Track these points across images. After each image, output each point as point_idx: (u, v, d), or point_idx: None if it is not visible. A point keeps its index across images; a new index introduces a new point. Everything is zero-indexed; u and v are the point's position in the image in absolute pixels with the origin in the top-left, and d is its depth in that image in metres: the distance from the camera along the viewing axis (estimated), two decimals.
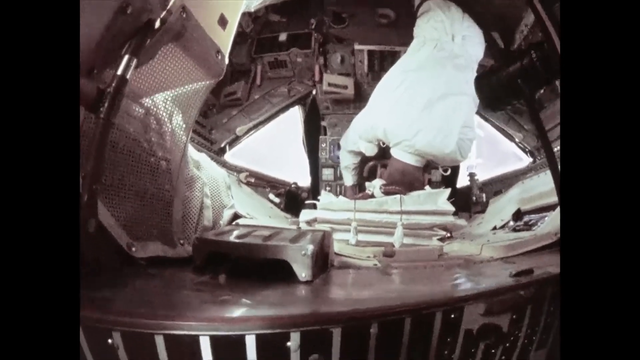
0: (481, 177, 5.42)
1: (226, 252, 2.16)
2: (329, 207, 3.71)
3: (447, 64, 4.10)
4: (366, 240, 3.43)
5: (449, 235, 3.66)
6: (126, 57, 1.89)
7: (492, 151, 5.86)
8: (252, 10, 4.76)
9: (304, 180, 5.71)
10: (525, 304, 1.87)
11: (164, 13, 2.05)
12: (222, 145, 5.27)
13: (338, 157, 5.41)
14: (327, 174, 5.63)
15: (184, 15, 2.16)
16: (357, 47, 5.39)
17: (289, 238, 2.15)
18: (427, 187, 4.04)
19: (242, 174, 4.97)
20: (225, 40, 2.70)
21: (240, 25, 4.88)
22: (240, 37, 5.37)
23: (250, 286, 1.91)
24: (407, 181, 4.06)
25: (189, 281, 2.01)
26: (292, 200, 5.28)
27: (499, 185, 5.23)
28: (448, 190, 3.73)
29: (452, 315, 1.68)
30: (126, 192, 2.14)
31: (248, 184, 4.97)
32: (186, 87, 2.52)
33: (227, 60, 2.72)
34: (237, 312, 1.56)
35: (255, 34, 5.62)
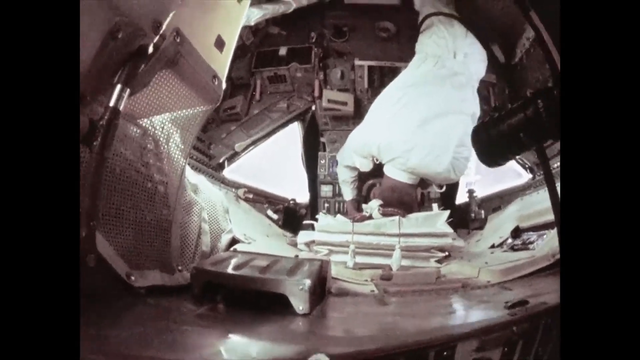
0: (480, 193, 5.42)
1: (224, 283, 2.15)
2: (327, 229, 3.70)
3: (446, 82, 4.11)
4: (364, 262, 3.43)
5: (447, 254, 3.66)
6: (118, 87, 1.84)
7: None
8: (252, 23, 4.77)
9: (303, 196, 5.72)
10: (518, 339, 1.87)
11: (156, 38, 2.01)
12: (221, 160, 5.23)
13: (336, 174, 5.41)
14: (325, 190, 5.64)
15: (178, 40, 2.13)
16: (357, 62, 5.39)
17: (287, 270, 2.15)
18: (435, 207, 4.06)
19: (241, 190, 4.95)
20: (222, 63, 2.67)
21: (240, 37, 4.89)
22: (240, 50, 5.37)
23: (248, 318, 1.91)
24: (397, 197, 4.10)
25: (187, 313, 1.99)
26: (291, 217, 5.29)
27: (498, 201, 5.22)
28: (447, 213, 3.72)
29: (445, 353, 1.68)
30: (124, 221, 2.09)
31: (246, 200, 4.95)
32: (183, 111, 2.49)
33: (224, 85, 2.68)
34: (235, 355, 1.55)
35: (255, 46, 5.62)
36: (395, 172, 4.13)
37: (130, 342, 1.52)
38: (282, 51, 5.52)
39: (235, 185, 5.04)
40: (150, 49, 1.98)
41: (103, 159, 1.79)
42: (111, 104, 1.81)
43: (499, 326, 1.83)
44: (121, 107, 1.83)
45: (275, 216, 5.08)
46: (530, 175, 4.94)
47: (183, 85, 2.35)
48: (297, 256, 3.09)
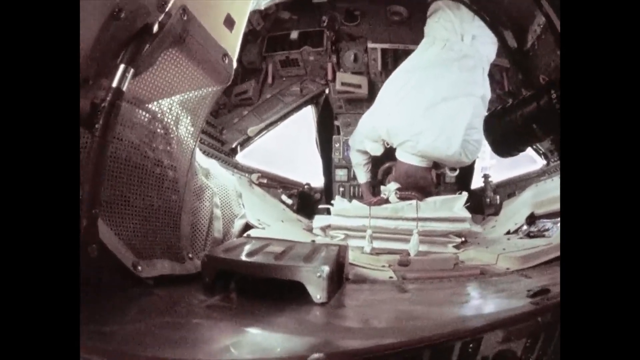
0: (495, 178, 5.34)
1: (237, 271, 2.07)
2: (344, 213, 3.64)
3: (454, 65, 4.04)
4: (381, 247, 3.38)
5: (463, 240, 3.60)
6: (122, 67, 1.76)
7: None
8: (262, 8, 4.69)
9: (317, 180, 5.68)
10: (541, 330, 1.78)
11: (162, 16, 1.93)
12: (234, 145, 5.19)
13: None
14: (340, 174, 5.59)
15: (185, 18, 2.05)
16: (370, 45, 5.31)
17: (303, 256, 2.06)
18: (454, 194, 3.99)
19: (254, 175, 4.90)
20: (232, 42, 2.59)
21: (250, 23, 4.86)
22: (251, 35, 5.29)
23: (262, 309, 1.81)
24: (412, 182, 4.04)
25: (198, 304, 1.90)
26: (305, 202, 5.25)
27: (513, 187, 5.17)
28: (464, 196, 3.65)
29: (471, 345, 1.59)
30: (130, 208, 2.01)
31: (260, 185, 4.90)
32: (192, 92, 2.41)
33: (235, 64, 2.61)
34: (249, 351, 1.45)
35: (266, 31, 5.53)
36: (407, 156, 4.08)
37: (135, 339, 1.43)
38: (294, 35, 5.44)
39: (249, 171, 4.99)
40: (156, 28, 1.90)
41: (105, 143, 1.71)
42: (114, 84, 1.72)
43: (524, 316, 1.74)
44: (124, 88, 1.75)
45: (289, 201, 5.03)
46: (545, 162, 4.84)
47: (192, 64, 2.26)
48: (313, 241, 2.99)
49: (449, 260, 2.96)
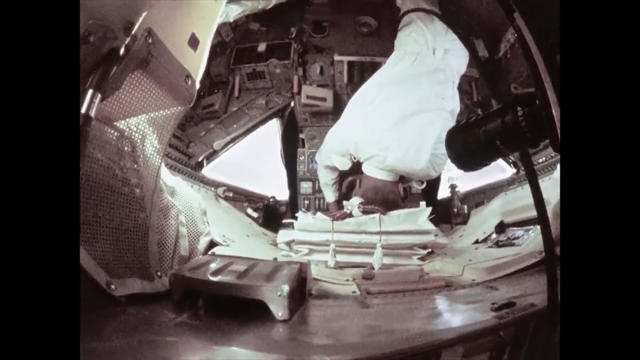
0: (462, 188, 5.40)
1: (202, 289, 2.13)
2: (307, 228, 3.68)
3: (423, 79, 4.09)
4: (345, 261, 3.44)
5: (429, 251, 3.65)
6: (90, 93, 1.77)
7: None
8: (231, 20, 4.75)
9: (283, 193, 5.70)
10: (506, 344, 1.85)
11: (128, 39, 1.98)
12: (200, 159, 5.22)
13: (316, 170, 5.41)
14: (305, 187, 5.61)
15: (150, 40, 2.09)
16: (336, 58, 5.36)
17: (264, 275, 2.13)
18: (422, 205, 4.05)
19: (220, 189, 4.95)
20: (196, 62, 2.65)
21: (219, 34, 4.94)
22: (220, 47, 5.36)
23: (229, 326, 1.89)
24: (381, 197, 4.09)
25: (167, 322, 1.97)
26: (271, 215, 5.28)
27: (481, 196, 5.24)
28: (428, 210, 3.70)
29: None
30: (101, 228, 2.06)
31: (226, 198, 4.96)
32: (157, 112, 2.47)
33: (198, 85, 2.66)
34: None
35: (235, 43, 5.59)
36: (374, 171, 4.13)
37: (111, 357, 1.50)
38: (261, 47, 5.49)
39: (215, 184, 5.03)
40: (122, 51, 1.94)
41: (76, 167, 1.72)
42: (82, 110, 1.75)
43: (485, 331, 1.81)
44: (92, 114, 1.78)
45: (255, 214, 5.08)
46: (514, 170, 4.95)
47: (156, 86, 2.32)
48: (275, 259, 3.05)
49: (414, 273, 3.01)
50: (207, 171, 5.26)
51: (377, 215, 3.63)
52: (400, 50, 4.44)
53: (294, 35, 5.61)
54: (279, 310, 1.95)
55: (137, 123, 2.36)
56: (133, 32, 1.99)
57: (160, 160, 2.54)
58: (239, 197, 5.17)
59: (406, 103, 3.99)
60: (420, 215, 3.68)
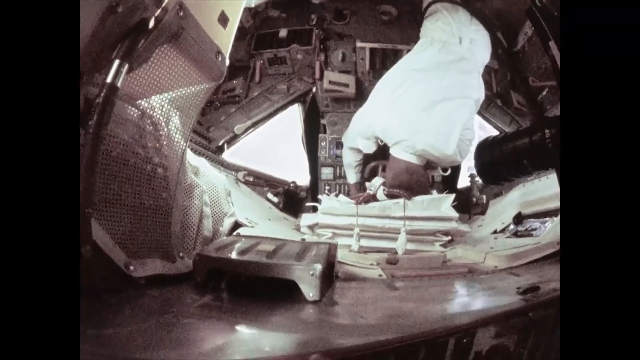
0: None
1: (229, 269, 2.07)
2: (331, 211, 3.65)
3: (451, 67, 4.03)
4: (369, 246, 3.39)
5: (450, 239, 3.62)
6: (116, 62, 1.75)
7: None
8: (253, 5, 4.75)
9: (303, 179, 5.68)
10: (532, 327, 1.80)
11: (158, 11, 1.93)
12: (220, 143, 5.21)
13: (337, 156, 5.42)
14: (326, 172, 5.57)
15: (181, 14, 2.05)
16: (359, 44, 5.31)
17: (294, 254, 2.08)
18: (434, 192, 4.02)
19: (240, 173, 4.94)
20: (226, 39, 2.60)
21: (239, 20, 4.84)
22: (239, 33, 5.23)
23: (254, 308, 1.82)
24: (414, 180, 4.00)
25: (190, 304, 1.89)
26: (291, 200, 5.27)
27: (499, 187, 5.15)
28: (452, 196, 3.68)
29: (465, 340, 1.63)
30: (121, 207, 2.00)
31: (246, 183, 4.95)
32: (184, 89, 2.41)
33: (227, 62, 2.61)
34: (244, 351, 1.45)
35: (255, 29, 5.55)
36: (404, 155, 4.02)
37: (129, 341, 1.43)
38: (282, 33, 5.44)
39: (235, 168, 5.02)
40: (152, 23, 1.90)
41: (99, 140, 1.70)
42: (108, 80, 1.72)
43: (517, 311, 1.79)
44: (119, 84, 1.74)
45: (275, 199, 5.05)
46: None
47: (185, 60, 2.28)
48: (303, 239, 2.99)
49: (437, 259, 2.99)
50: (228, 155, 5.26)
51: (401, 201, 3.59)
52: (427, 38, 4.36)
53: (314, 22, 5.55)
54: (310, 290, 1.89)
55: (161, 103, 2.30)
56: (164, 4, 1.94)
57: (185, 142, 2.49)
58: (259, 182, 5.14)
59: (434, 89, 3.92)
60: (443, 202, 3.65)
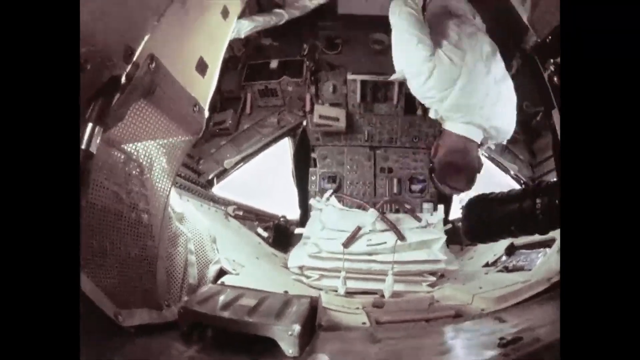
0: None
1: (212, 324, 2.16)
2: (318, 255, 3.71)
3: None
4: (356, 287, 3.48)
5: (440, 274, 3.70)
6: (89, 126, 1.73)
7: (486, 183, 5.82)
8: (243, 36, 4.78)
9: (294, 213, 5.70)
10: None
11: (129, 67, 1.92)
12: (210, 177, 5.25)
13: (327, 190, 5.45)
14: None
15: (153, 67, 2.05)
16: (350, 77, 5.37)
17: (275, 311, 2.16)
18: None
19: (230, 207, 4.97)
20: (204, 89, 2.64)
21: (231, 49, 4.92)
22: (231, 62, 5.38)
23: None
24: (467, 161, 3.75)
25: (177, 355, 1.99)
26: (281, 234, 5.28)
27: None
28: (443, 239, 3.76)
29: None
30: (108, 257, 2.06)
31: (236, 217, 4.98)
32: (165, 140, 2.44)
33: (207, 114, 2.65)
34: None
35: (247, 58, 5.62)
36: (461, 127, 3.76)
37: None
38: (273, 64, 5.52)
39: (225, 203, 5.05)
40: (123, 79, 1.90)
41: (82, 201, 1.70)
42: (82, 146, 1.72)
43: None
44: (94, 149, 1.75)
45: (265, 234, 5.09)
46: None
47: (161, 115, 2.30)
48: (286, 292, 3.06)
49: (423, 301, 3.06)
50: (218, 189, 5.29)
51: (389, 244, 3.64)
52: None
53: (306, 52, 5.63)
54: (289, 347, 1.97)
55: (146, 148, 2.34)
56: (134, 59, 1.94)
57: (169, 187, 2.52)
58: (249, 216, 5.18)
59: (496, 69, 3.86)
60: (433, 244, 3.73)
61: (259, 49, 5.75)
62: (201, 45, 2.61)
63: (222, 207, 4.93)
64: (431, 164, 3.84)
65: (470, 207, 2.88)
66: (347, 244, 3.77)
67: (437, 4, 4.23)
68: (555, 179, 2.55)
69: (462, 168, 3.71)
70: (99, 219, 2.00)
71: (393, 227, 3.85)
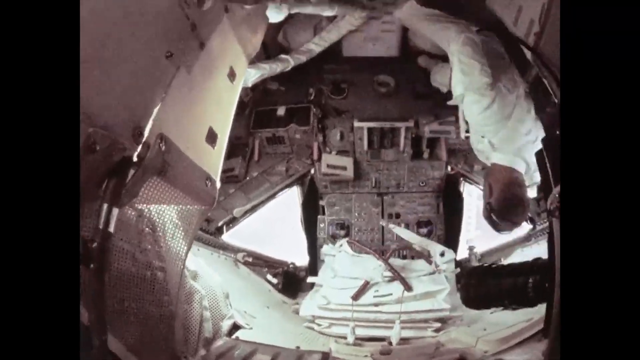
0: (480, 247, 5.54)
1: None
2: (327, 307, 3.86)
3: None
4: (364, 334, 3.61)
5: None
6: (105, 207, 1.79)
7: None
8: (250, 85, 4.99)
9: (302, 259, 5.78)
10: None
11: (139, 148, 1.96)
12: (220, 224, 5.31)
13: (335, 237, 5.57)
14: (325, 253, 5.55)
15: (164, 147, 2.10)
16: (356, 124, 5.47)
17: None
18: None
19: (240, 254, 5.06)
20: (215, 159, 2.71)
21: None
22: (239, 107, 5.22)
23: None
24: (523, 194, 3.77)
25: None
26: (290, 280, 5.36)
27: (498, 254, 5.34)
28: (447, 289, 3.88)
29: None
30: (129, 316, 2.15)
31: (245, 263, 5.06)
32: (179, 207, 2.49)
33: (219, 184, 2.71)
34: None
35: (254, 103, 5.74)
36: (510, 159, 3.81)
37: None
38: (281, 111, 5.63)
39: (235, 250, 5.13)
40: (135, 158, 1.95)
41: (102, 275, 1.81)
42: (101, 225, 1.78)
43: None
44: (112, 229, 1.82)
45: (274, 280, 5.16)
46: (530, 226, 5.01)
47: (174, 190, 2.32)
48: (298, 347, 3.19)
49: (429, 346, 3.18)
50: (227, 237, 5.37)
51: (396, 295, 3.81)
52: None
53: (312, 97, 5.76)
54: None
55: (158, 209, 2.39)
56: (144, 139, 2.01)
57: (185, 249, 2.57)
58: (258, 263, 5.26)
59: (531, 107, 3.89)
60: (438, 294, 3.87)
61: (266, 93, 5.89)
62: (210, 114, 2.68)
63: (232, 255, 5.02)
64: (487, 206, 3.79)
65: (469, 279, 3.04)
66: (356, 297, 3.91)
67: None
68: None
69: (521, 199, 3.73)
70: (116, 280, 2.07)
71: (400, 278, 3.98)
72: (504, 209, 3.68)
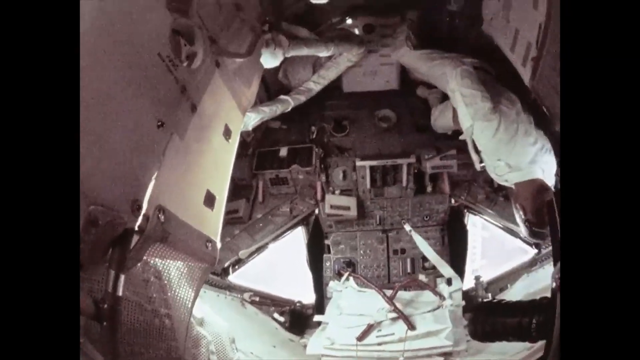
0: (487, 276, 5.66)
1: None
2: (332, 347, 4.03)
3: None
4: None
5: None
6: (112, 274, 1.86)
7: (497, 250, 5.99)
8: (250, 129, 5.16)
9: (309, 297, 5.87)
10: None
11: (139, 220, 2.04)
12: (226, 265, 5.41)
13: (340, 275, 5.63)
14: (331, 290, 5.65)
15: (162, 218, 2.17)
16: (358, 163, 5.58)
17: None
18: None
19: (247, 294, 5.19)
20: (215, 221, 2.80)
21: (240, 135, 5.13)
22: (241, 148, 5.40)
23: None
24: (542, 199, 3.97)
25: None
26: (297, 319, 5.46)
27: (505, 281, 5.49)
28: (449, 329, 4.04)
29: None
30: None
31: (252, 302, 5.19)
32: (182, 262, 2.57)
33: (219, 245, 2.80)
34: None
35: (256, 142, 5.87)
36: (526, 173, 4.03)
37: None
38: (283, 152, 5.74)
39: (241, 290, 5.26)
40: (136, 228, 2.04)
41: (115, 336, 1.88)
42: (109, 289, 1.87)
43: None
44: (120, 292, 1.90)
45: (281, 318, 5.28)
46: (536, 250, 5.24)
47: (177, 254, 2.42)
48: None
49: None
50: (234, 278, 5.49)
51: (397, 334, 4.00)
52: None
53: (315, 135, 5.94)
54: None
55: (163, 263, 2.48)
56: (143, 211, 2.08)
57: (191, 297, 2.64)
58: (265, 302, 5.38)
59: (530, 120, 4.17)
60: (441, 333, 4.03)
61: (268, 133, 6.06)
62: (207, 177, 2.78)
63: (239, 295, 5.15)
64: (527, 223, 4.01)
65: (477, 315, 3.24)
66: (361, 338, 4.09)
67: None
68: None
69: (551, 201, 3.91)
70: (125, 330, 2.16)
71: (403, 317, 4.16)
72: (542, 217, 3.90)
